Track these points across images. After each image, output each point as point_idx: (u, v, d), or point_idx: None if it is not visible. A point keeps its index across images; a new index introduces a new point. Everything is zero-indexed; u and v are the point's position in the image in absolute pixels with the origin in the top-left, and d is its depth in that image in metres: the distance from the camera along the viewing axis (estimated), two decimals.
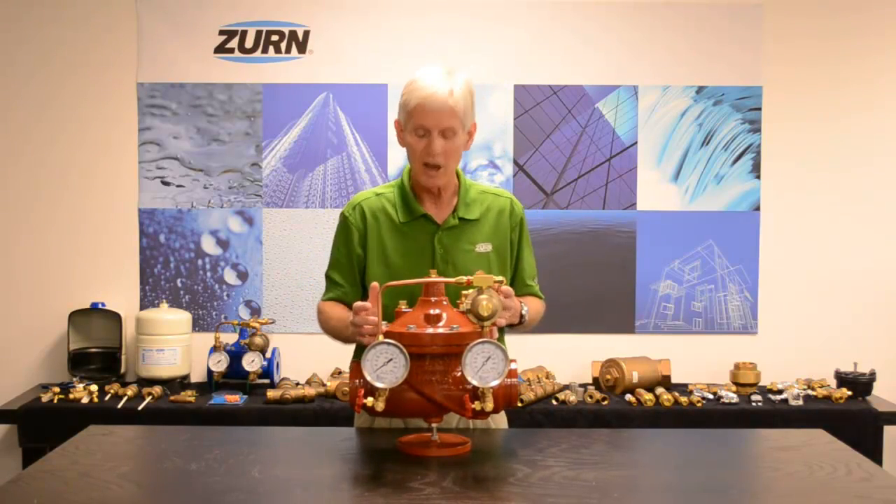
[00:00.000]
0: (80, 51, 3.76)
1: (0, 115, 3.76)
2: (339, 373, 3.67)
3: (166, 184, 3.79)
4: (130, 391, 3.42)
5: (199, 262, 3.80)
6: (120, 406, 3.32)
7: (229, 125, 3.79)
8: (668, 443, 2.20)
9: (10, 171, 3.77)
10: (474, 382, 1.86)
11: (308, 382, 3.58)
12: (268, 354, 3.63)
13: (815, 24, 3.80)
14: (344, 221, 2.33)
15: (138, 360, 3.61)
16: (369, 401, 1.88)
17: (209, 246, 3.81)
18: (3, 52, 3.75)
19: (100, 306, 3.68)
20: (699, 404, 3.40)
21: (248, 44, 3.77)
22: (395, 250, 2.27)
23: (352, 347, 2.30)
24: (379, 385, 1.85)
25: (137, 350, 3.61)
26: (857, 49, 3.81)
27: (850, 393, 3.51)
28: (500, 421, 2.34)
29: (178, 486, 1.79)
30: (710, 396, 3.47)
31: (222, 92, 3.78)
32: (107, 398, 3.41)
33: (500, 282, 1.96)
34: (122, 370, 3.70)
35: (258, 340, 3.58)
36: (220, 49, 3.77)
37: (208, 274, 3.81)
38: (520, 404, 3.29)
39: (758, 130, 3.82)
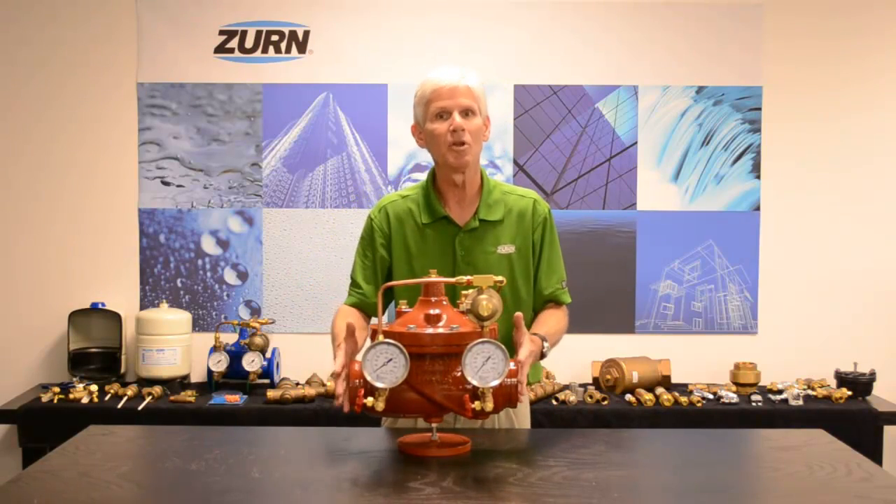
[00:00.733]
0: (80, 51, 3.76)
1: (0, 115, 3.76)
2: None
3: (166, 184, 3.79)
4: (130, 391, 3.42)
5: (199, 262, 3.80)
6: (120, 406, 3.32)
7: (229, 125, 3.79)
8: (668, 443, 2.20)
9: (10, 170, 3.77)
10: (474, 382, 1.86)
11: (308, 382, 3.58)
12: (268, 354, 3.63)
13: (815, 24, 3.81)
14: (369, 224, 2.35)
15: (138, 360, 3.61)
16: (369, 401, 1.88)
17: (209, 246, 3.81)
18: (3, 52, 3.75)
19: (100, 306, 3.68)
20: (699, 404, 3.40)
21: (248, 44, 3.77)
22: (418, 252, 2.29)
23: None
24: (379, 385, 1.85)
25: (137, 350, 3.62)
26: (857, 49, 3.81)
27: (850, 393, 3.51)
28: (524, 420, 2.35)
29: (178, 486, 1.78)
30: (710, 396, 3.47)
31: (222, 92, 3.78)
32: (107, 398, 3.41)
33: (501, 282, 1.96)
34: (122, 370, 3.70)
35: (258, 340, 3.58)
36: (220, 49, 3.77)
37: (208, 274, 3.81)
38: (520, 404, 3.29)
39: (758, 130, 3.82)
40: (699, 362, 3.80)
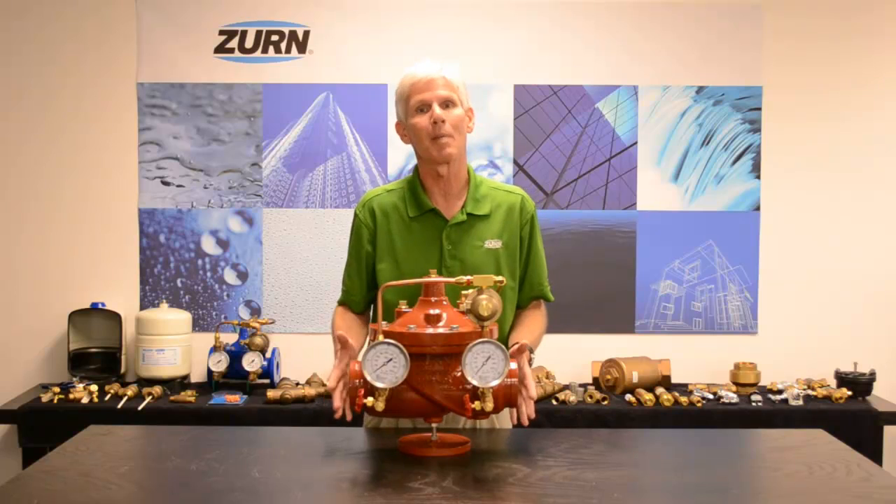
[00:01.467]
0: (80, 51, 3.76)
1: (0, 115, 3.76)
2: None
3: (166, 184, 3.79)
4: (130, 391, 3.42)
5: (199, 262, 3.80)
6: (120, 406, 3.32)
7: (229, 125, 3.79)
8: (668, 443, 2.20)
9: (10, 171, 3.77)
10: (474, 382, 1.86)
11: (308, 382, 3.58)
12: (268, 354, 3.63)
13: (815, 24, 3.80)
14: (355, 220, 2.35)
15: (138, 360, 3.61)
16: (369, 401, 1.88)
17: (209, 246, 3.81)
18: (3, 52, 3.75)
19: (100, 306, 3.68)
20: (699, 404, 3.40)
21: (248, 44, 3.77)
22: (403, 245, 2.27)
23: None
24: (379, 385, 1.85)
25: (137, 350, 3.62)
26: (857, 49, 3.81)
27: (850, 393, 3.51)
28: (504, 421, 2.35)
29: (178, 486, 1.79)
30: (710, 396, 3.47)
31: (222, 92, 3.78)
32: (107, 398, 3.41)
33: (501, 282, 1.96)
34: (122, 370, 3.70)
35: (258, 340, 3.58)
36: (220, 49, 3.77)
37: (208, 274, 3.81)
38: None
39: (758, 130, 3.82)
40: (699, 362, 3.80)
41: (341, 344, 2.02)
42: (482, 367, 1.87)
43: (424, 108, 2.20)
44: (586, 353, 3.75)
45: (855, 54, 3.81)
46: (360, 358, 1.95)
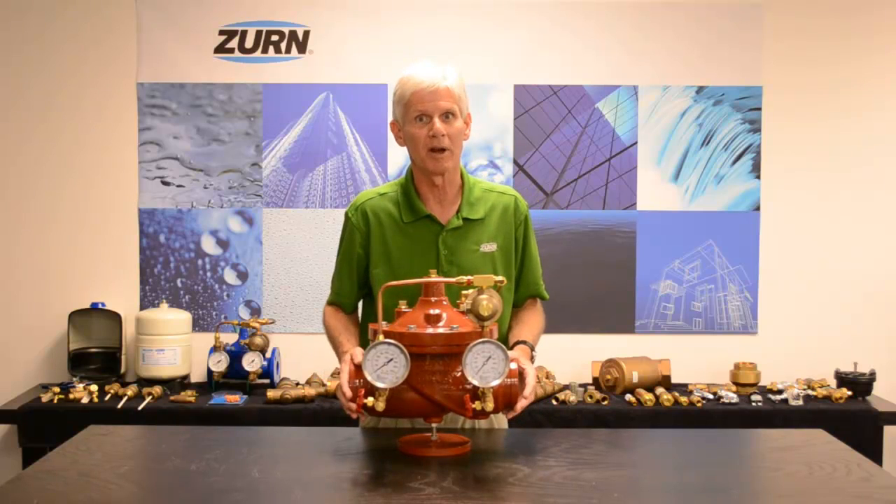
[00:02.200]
0: (80, 51, 3.76)
1: (0, 115, 3.76)
2: (340, 373, 3.67)
3: (166, 184, 3.79)
4: (130, 391, 3.42)
5: (199, 262, 3.80)
6: (120, 406, 3.32)
7: (229, 125, 3.79)
8: (668, 443, 2.20)
9: (10, 171, 3.77)
10: (475, 382, 1.86)
11: (308, 382, 3.58)
12: (268, 354, 3.63)
13: (815, 24, 3.80)
14: (346, 222, 2.34)
15: (138, 360, 3.61)
16: (369, 401, 1.88)
17: (209, 246, 3.81)
18: (3, 52, 3.75)
19: (100, 306, 3.68)
20: (699, 404, 3.40)
21: (248, 44, 3.77)
22: (398, 250, 2.26)
23: None
24: (379, 385, 1.85)
25: (137, 350, 3.61)
26: (857, 49, 3.81)
27: (850, 393, 3.51)
28: (501, 421, 2.35)
29: (178, 486, 1.79)
30: (710, 396, 3.47)
31: (222, 92, 3.78)
32: (107, 398, 3.41)
33: (501, 282, 1.96)
34: (122, 370, 3.70)
35: (258, 340, 3.58)
36: (220, 49, 3.77)
37: (208, 274, 3.81)
38: None
39: (758, 130, 3.82)
40: (699, 362, 3.80)
41: (346, 337, 2.04)
42: (482, 367, 1.87)
43: (425, 118, 2.18)
44: (586, 353, 3.75)
45: (855, 54, 3.81)
46: (359, 358, 1.95)
